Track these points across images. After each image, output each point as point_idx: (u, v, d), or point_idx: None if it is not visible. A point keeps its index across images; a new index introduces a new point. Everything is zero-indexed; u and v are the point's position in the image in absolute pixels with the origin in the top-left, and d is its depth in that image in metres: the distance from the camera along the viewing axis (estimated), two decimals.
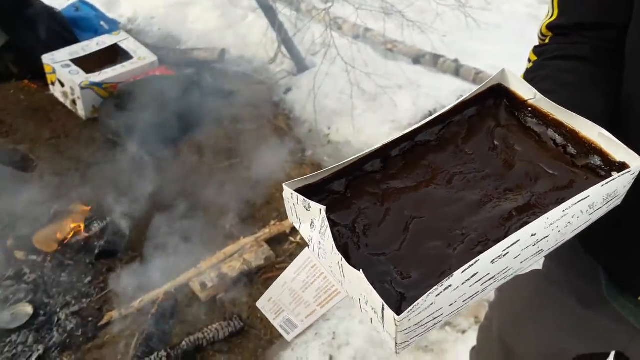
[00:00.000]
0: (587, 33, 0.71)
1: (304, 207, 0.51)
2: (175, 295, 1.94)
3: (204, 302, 1.92)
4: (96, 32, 3.13)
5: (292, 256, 2.04)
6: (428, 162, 0.57)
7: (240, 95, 2.96)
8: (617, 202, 0.53)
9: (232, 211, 2.28)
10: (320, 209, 0.49)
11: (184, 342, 1.76)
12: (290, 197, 0.52)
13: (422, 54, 3.12)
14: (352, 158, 0.55)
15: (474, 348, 1.24)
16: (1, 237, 2.14)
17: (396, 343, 0.44)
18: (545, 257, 0.88)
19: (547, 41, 0.76)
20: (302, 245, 2.08)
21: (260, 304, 0.62)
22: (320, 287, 0.54)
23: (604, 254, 0.77)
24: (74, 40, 3.02)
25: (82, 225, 2.19)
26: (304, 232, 0.53)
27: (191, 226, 2.18)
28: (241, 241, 2.12)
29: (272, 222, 2.22)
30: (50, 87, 2.87)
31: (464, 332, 1.77)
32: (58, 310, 1.93)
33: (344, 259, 0.46)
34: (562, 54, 0.72)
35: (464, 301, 0.46)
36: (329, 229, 0.48)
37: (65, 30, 3.05)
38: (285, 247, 2.15)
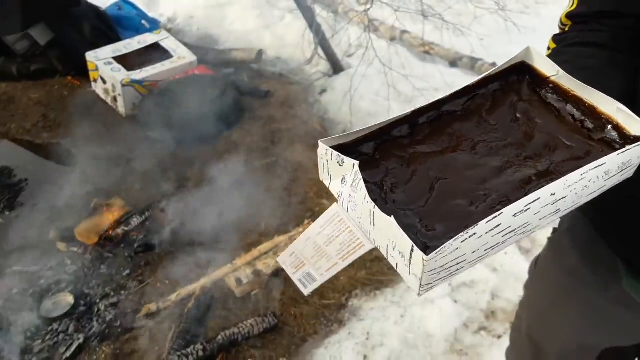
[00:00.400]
0: (607, 21, 0.73)
1: (337, 162, 0.53)
2: (212, 290, 1.97)
3: (239, 298, 1.95)
4: (137, 30, 3.20)
5: None
6: (454, 130, 0.60)
7: (276, 95, 3.00)
8: (631, 172, 0.56)
9: (266, 210, 2.30)
10: (354, 164, 0.52)
11: (219, 337, 1.79)
12: (325, 153, 0.55)
13: (460, 57, 3.11)
14: (381, 122, 0.58)
15: (508, 348, 1.26)
16: (44, 228, 2.20)
17: (420, 284, 0.47)
18: (568, 252, 0.91)
19: (566, 30, 0.78)
20: None
21: (281, 259, 0.64)
22: (344, 241, 0.56)
23: (622, 246, 0.79)
24: (117, 38, 3.09)
25: (122, 219, 2.24)
26: (334, 188, 0.56)
27: (227, 223, 2.22)
28: (275, 239, 2.15)
29: (306, 222, 2.24)
30: (93, 84, 2.94)
31: (499, 337, 1.76)
32: (98, 301, 1.98)
33: (376, 207, 0.49)
34: (582, 41, 0.74)
35: (485, 250, 0.49)
36: (361, 181, 0.50)
37: (109, 28, 3.13)
38: None
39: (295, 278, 0.64)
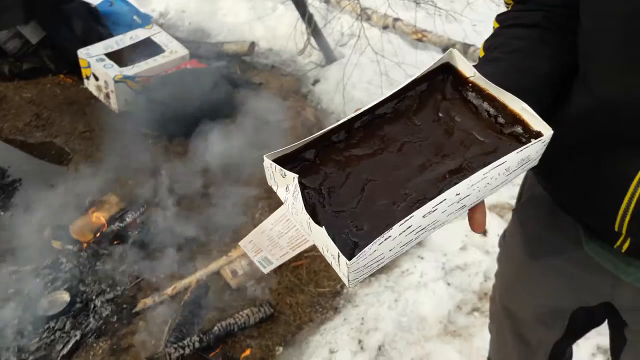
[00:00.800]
0: (541, 0, 0.77)
1: (281, 174, 0.59)
2: (207, 283, 1.97)
3: (234, 289, 1.95)
4: (129, 26, 3.19)
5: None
6: (384, 132, 0.65)
7: (269, 87, 2.99)
8: (533, 164, 0.61)
9: (261, 201, 2.30)
10: (294, 177, 0.57)
11: (215, 328, 1.79)
12: (270, 166, 0.60)
13: (452, 43, 3.09)
14: (321, 131, 0.63)
15: (489, 321, 1.30)
16: (39, 227, 2.20)
17: (348, 280, 0.54)
18: (531, 222, 0.97)
19: (510, 8, 0.81)
20: None
21: (242, 244, 0.71)
22: (292, 236, 0.64)
23: (579, 212, 0.82)
24: (109, 34, 3.08)
25: (116, 215, 2.24)
26: (280, 194, 0.62)
27: (222, 215, 2.22)
28: None
29: None
30: (85, 81, 2.93)
31: None
32: (94, 297, 1.98)
33: (310, 219, 0.55)
34: (518, 22, 0.78)
35: (400, 247, 0.55)
36: (300, 193, 0.56)
37: (100, 25, 3.12)
38: None
39: (255, 260, 0.72)
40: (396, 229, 0.52)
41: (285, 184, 0.59)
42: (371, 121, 0.65)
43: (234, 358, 1.74)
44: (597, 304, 0.95)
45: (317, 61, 3.16)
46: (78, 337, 1.85)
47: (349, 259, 0.51)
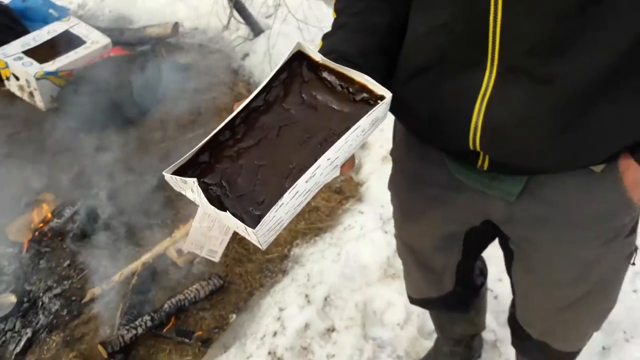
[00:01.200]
0: None
1: (183, 182, 0.68)
2: (154, 265, 1.97)
3: (182, 267, 1.96)
4: (46, 20, 3.10)
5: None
6: (261, 122, 0.74)
7: (197, 66, 2.96)
8: (382, 121, 0.73)
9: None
10: (193, 180, 0.65)
11: (166, 305, 1.80)
12: (171, 179, 0.69)
13: None
14: (208, 136, 0.72)
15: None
16: None
17: (260, 243, 0.64)
18: (405, 160, 1.03)
19: None
20: None
21: (186, 248, 0.83)
22: (219, 226, 0.78)
23: (438, 140, 0.87)
24: (24, 31, 2.98)
25: (54, 212, 2.21)
26: (189, 195, 0.70)
27: (162, 199, 2.21)
28: None
29: None
30: (5, 82, 2.84)
31: None
32: (41, 294, 1.96)
33: (216, 209, 0.65)
34: None
35: (294, 208, 0.66)
36: (201, 192, 0.65)
37: (14, 22, 3.01)
38: None
39: (203, 254, 0.83)
40: (286, 196, 0.63)
41: (190, 188, 0.68)
42: (249, 116, 0.73)
43: (187, 331, 1.76)
44: (480, 223, 0.99)
45: (244, 35, 3.14)
46: (30, 335, 1.83)
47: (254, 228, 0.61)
